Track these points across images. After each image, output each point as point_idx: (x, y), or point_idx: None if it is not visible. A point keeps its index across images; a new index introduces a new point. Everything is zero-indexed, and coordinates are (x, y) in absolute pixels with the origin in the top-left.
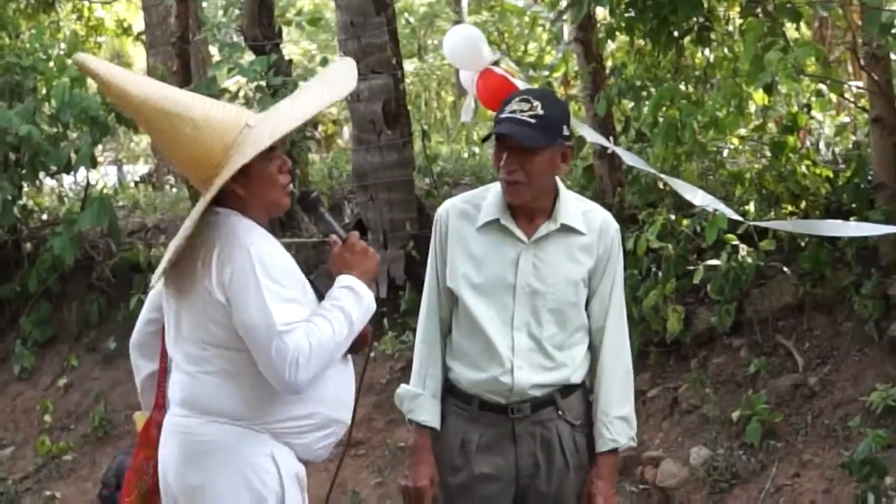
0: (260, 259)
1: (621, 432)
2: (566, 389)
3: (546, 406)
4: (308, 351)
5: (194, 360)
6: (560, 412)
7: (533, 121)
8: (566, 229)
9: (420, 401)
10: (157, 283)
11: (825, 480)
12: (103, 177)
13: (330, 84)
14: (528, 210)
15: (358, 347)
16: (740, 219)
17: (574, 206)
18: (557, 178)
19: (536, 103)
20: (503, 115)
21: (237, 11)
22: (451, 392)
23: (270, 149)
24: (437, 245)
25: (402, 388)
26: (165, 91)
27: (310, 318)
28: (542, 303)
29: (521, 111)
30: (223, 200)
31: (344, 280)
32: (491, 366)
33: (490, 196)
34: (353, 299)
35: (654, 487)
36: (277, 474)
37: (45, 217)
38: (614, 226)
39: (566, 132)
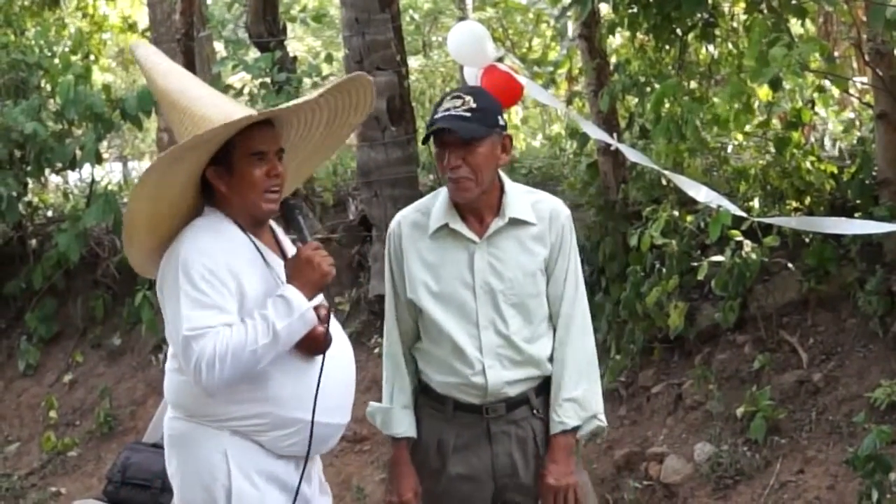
0: (185, 264)
1: (571, 414)
2: (541, 387)
3: (520, 405)
4: (212, 356)
5: (169, 355)
6: (534, 411)
7: (468, 114)
8: (516, 222)
9: (391, 414)
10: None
11: (829, 476)
12: (108, 173)
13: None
14: (476, 209)
15: (313, 350)
16: (744, 215)
17: (522, 199)
18: (501, 174)
19: (468, 98)
20: (438, 115)
21: (242, 8)
22: (424, 393)
23: (259, 153)
24: (392, 259)
25: (372, 406)
26: (186, 86)
27: (231, 324)
28: (502, 298)
29: (455, 107)
30: (213, 198)
31: (281, 289)
32: (462, 369)
33: (439, 202)
34: (283, 309)
35: (658, 483)
36: (227, 471)
37: (50, 214)
38: (564, 212)
39: (502, 122)
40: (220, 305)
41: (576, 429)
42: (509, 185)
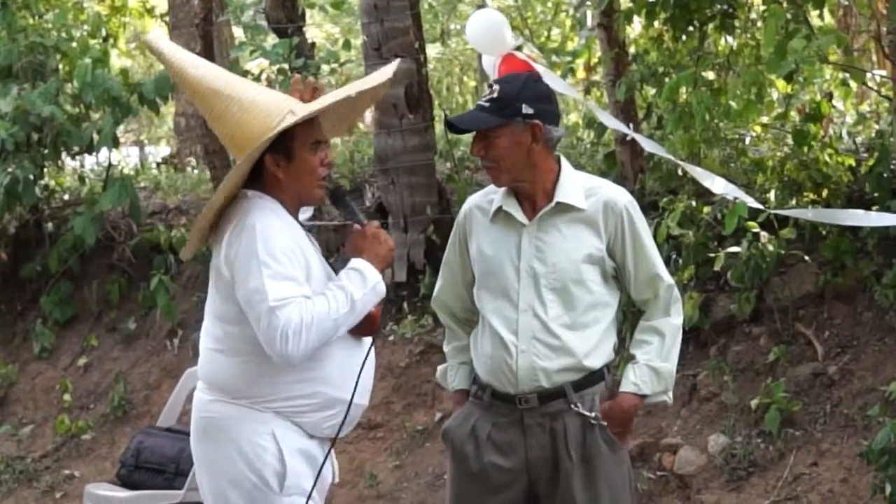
0: (263, 236)
1: (647, 381)
2: (582, 381)
3: (556, 398)
4: (299, 325)
5: (210, 336)
6: (572, 405)
7: (488, 104)
8: (564, 207)
9: (447, 371)
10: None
11: (843, 469)
12: (125, 157)
13: (368, 79)
14: (529, 193)
15: (366, 330)
16: (760, 206)
17: (575, 184)
18: (563, 159)
19: (496, 87)
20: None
21: None
22: (474, 380)
23: (317, 141)
24: (456, 239)
25: (440, 368)
26: (221, 73)
27: (309, 296)
28: (544, 282)
29: (484, 97)
30: (262, 183)
31: (353, 263)
32: (497, 352)
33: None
34: (358, 280)
35: (671, 474)
36: (278, 452)
37: (66, 197)
38: (622, 200)
39: (528, 110)
40: (297, 279)
41: (643, 397)
42: (566, 170)
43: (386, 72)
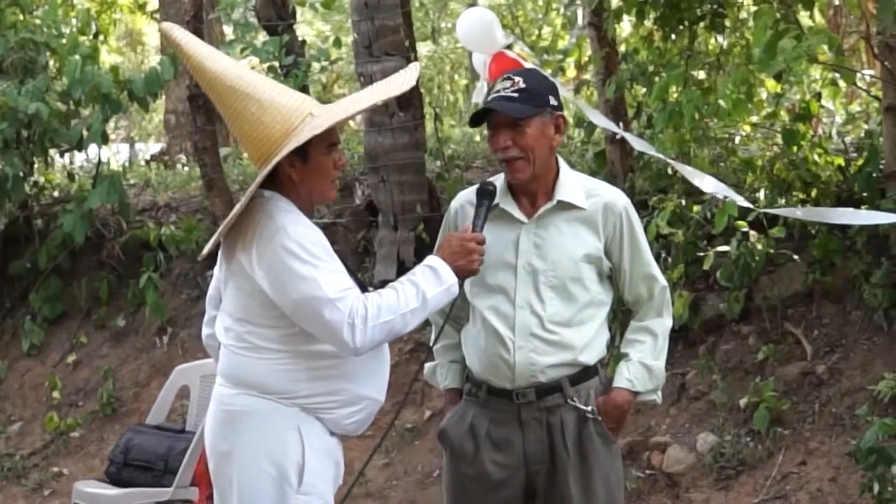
0: (297, 238)
1: (640, 377)
2: (577, 376)
3: (552, 392)
4: (364, 314)
5: (232, 334)
6: (569, 399)
7: (516, 95)
8: (564, 206)
9: (437, 369)
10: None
11: (832, 468)
12: (115, 154)
13: (389, 82)
14: (530, 191)
15: None
16: (750, 206)
17: (574, 183)
18: (559, 158)
19: (518, 79)
20: (489, 98)
21: None
22: (467, 378)
23: (331, 144)
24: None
25: (427, 366)
26: (239, 70)
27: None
28: (543, 280)
29: (505, 89)
30: (276, 183)
31: (429, 260)
32: (494, 348)
33: (497, 183)
34: (432, 278)
35: (660, 473)
36: (301, 447)
37: (56, 194)
38: (621, 202)
39: (554, 102)
40: (343, 271)
41: (636, 394)
42: (565, 169)
43: (410, 77)
